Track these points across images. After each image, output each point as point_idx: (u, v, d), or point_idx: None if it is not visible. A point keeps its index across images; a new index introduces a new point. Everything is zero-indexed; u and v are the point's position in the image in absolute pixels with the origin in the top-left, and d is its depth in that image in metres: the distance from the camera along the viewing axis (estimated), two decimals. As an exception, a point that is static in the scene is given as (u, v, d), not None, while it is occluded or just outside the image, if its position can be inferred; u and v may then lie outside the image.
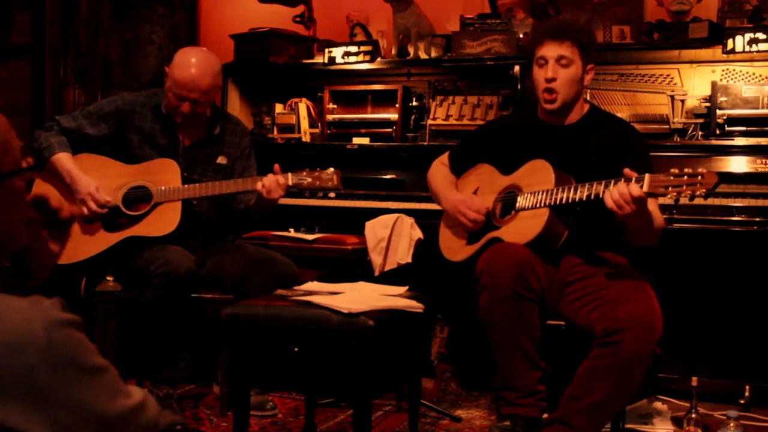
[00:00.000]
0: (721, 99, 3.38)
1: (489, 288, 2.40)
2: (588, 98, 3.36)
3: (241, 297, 2.76)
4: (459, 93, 3.87)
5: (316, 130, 4.16)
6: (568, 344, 2.51)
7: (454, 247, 2.77)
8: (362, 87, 4.07)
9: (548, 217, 2.47)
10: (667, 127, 3.52)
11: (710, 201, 3.08)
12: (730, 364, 3.22)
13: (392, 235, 3.25)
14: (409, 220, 3.27)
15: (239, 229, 3.41)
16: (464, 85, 3.88)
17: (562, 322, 2.55)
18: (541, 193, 2.49)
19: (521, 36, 3.80)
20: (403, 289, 2.55)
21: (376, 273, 3.25)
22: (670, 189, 2.18)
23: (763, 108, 3.33)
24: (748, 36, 3.27)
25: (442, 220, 2.88)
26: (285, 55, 4.11)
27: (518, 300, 2.37)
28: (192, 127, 3.06)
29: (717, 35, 3.37)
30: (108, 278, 3.11)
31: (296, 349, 2.24)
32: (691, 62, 3.57)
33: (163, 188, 2.93)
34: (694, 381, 2.78)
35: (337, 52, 3.95)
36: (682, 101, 3.53)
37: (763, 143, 3.26)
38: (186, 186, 2.93)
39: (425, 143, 3.85)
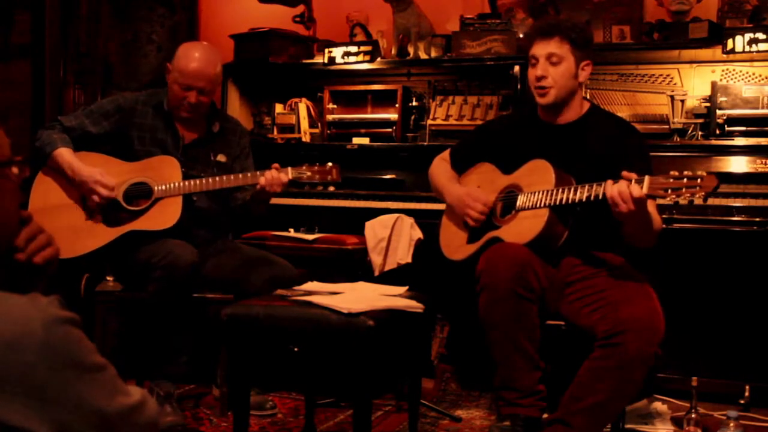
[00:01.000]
0: (721, 99, 3.38)
1: (489, 288, 2.40)
2: (588, 98, 3.36)
3: (241, 298, 2.76)
4: (459, 93, 3.87)
5: (316, 130, 4.16)
6: (568, 344, 2.51)
7: (454, 246, 2.77)
8: (362, 87, 4.07)
9: (548, 218, 2.47)
10: (667, 127, 3.52)
11: (710, 201, 3.08)
12: (730, 364, 3.22)
13: (392, 235, 3.25)
14: (409, 220, 3.27)
15: (238, 228, 3.42)
16: (464, 85, 3.88)
17: (562, 322, 2.54)
18: (541, 193, 2.49)
19: (521, 36, 3.80)
20: (403, 289, 2.55)
21: (376, 273, 3.24)
22: (669, 192, 2.18)
23: (763, 108, 3.33)
24: (748, 36, 3.27)
25: (443, 216, 2.87)
26: (285, 55, 4.11)
27: (518, 300, 2.37)
28: (194, 122, 3.09)
29: (717, 35, 3.37)
30: (108, 278, 3.10)
31: (296, 349, 2.24)
32: (691, 62, 3.57)
33: (163, 184, 2.95)
34: (694, 381, 2.78)
35: (337, 52, 3.95)
36: (682, 101, 3.54)
37: (763, 143, 3.26)
38: (186, 181, 2.95)
39: (425, 143, 3.85)
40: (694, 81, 3.56)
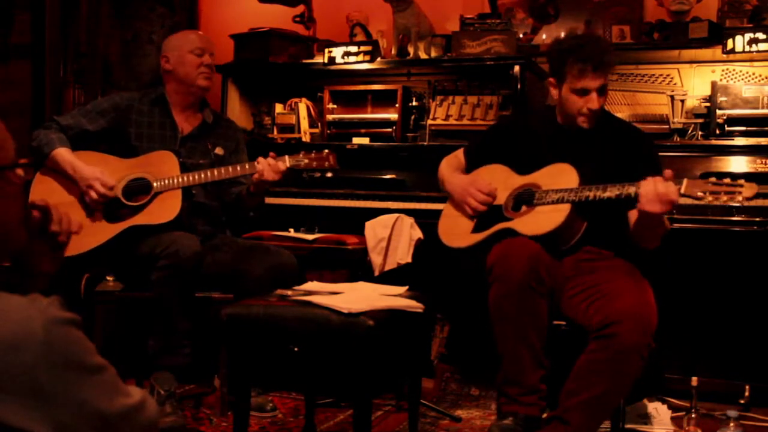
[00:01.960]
0: (721, 99, 3.38)
1: (502, 280, 2.41)
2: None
3: (240, 292, 2.77)
4: (459, 93, 3.87)
5: (316, 130, 4.16)
6: (568, 343, 2.51)
7: (455, 233, 2.75)
8: (362, 87, 4.07)
9: (569, 212, 2.48)
10: (667, 127, 3.52)
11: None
12: (730, 364, 3.22)
13: (392, 235, 3.25)
14: (409, 220, 3.27)
15: (237, 227, 3.42)
16: (464, 85, 3.88)
17: (563, 322, 2.55)
18: (565, 190, 2.50)
19: (521, 36, 3.81)
20: (403, 289, 2.55)
21: (376, 273, 3.24)
22: (707, 194, 2.23)
23: (763, 108, 3.33)
24: (748, 36, 3.27)
25: (446, 204, 2.88)
26: (285, 55, 4.11)
27: (531, 294, 2.38)
28: (191, 112, 3.17)
29: (717, 35, 3.37)
30: (108, 278, 3.10)
31: (296, 349, 2.24)
32: (691, 62, 3.57)
33: (162, 178, 2.97)
34: (694, 381, 2.78)
35: (337, 52, 3.95)
36: (682, 101, 3.54)
37: (763, 143, 3.26)
38: (184, 174, 2.97)
39: (425, 143, 3.85)
40: (694, 81, 3.57)
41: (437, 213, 2.94)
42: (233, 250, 3.03)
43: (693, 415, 2.73)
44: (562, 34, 3.57)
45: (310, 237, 3.40)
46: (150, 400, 1.15)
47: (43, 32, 3.96)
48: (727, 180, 2.23)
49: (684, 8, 3.53)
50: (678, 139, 3.49)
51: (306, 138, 4.10)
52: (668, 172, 2.29)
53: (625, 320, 2.26)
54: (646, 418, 2.97)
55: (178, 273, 2.80)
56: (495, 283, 2.43)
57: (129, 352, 3.19)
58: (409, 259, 3.22)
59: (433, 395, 3.30)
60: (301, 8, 4.23)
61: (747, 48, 3.27)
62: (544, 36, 3.75)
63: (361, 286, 2.64)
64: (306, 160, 2.97)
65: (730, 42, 3.29)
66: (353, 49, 3.94)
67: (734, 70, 3.49)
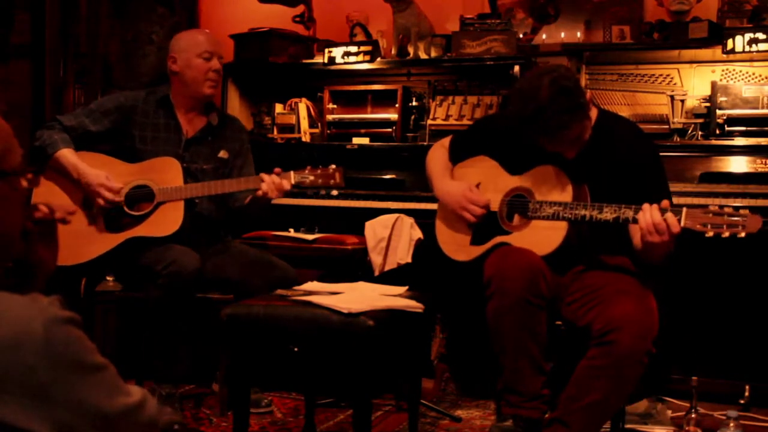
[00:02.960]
0: (721, 99, 3.38)
1: (500, 295, 2.37)
2: (587, 97, 3.35)
3: (241, 298, 2.76)
4: (459, 93, 3.87)
5: (316, 130, 4.16)
6: (568, 344, 2.51)
7: (456, 245, 2.73)
8: (362, 87, 4.07)
9: (567, 232, 2.44)
10: (667, 127, 3.52)
11: (710, 201, 3.08)
12: (730, 364, 3.22)
13: (392, 235, 3.25)
14: (409, 220, 3.27)
15: (238, 228, 3.41)
16: (464, 85, 3.88)
17: (561, 323, 2.54)
18: (559, 205, 2.44)
19: (521, 36, 3.81)
20: (403, 289, 2.55)
21: (376, 273, 3.24)
22: (708, 227, 2.17)
23: (763, 108, 3.33)
24: (748, 36, 3.27)
25: (438, 213, 2.81)
26: (285, 55, 4.11)
27: (529, 308, 2.35)
28: (196, 115, 3.12)
29: (717, 35, 3.37)
30: (108, 278, 3.10)
31: (296, 349, 2.24)
32: (690, 62, 3.57)
33: (165, 187, 2.94)
34: (694, 381, 2.78)
35: (337, 52, 3.95)
36: (682, 101, 3.54)
37: (763, 143, 3.26)
38: (188, 185, 2.94)
39: (425, 143, 3.84)
40: (694, 81, 3.56)
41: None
42: (235, 260, 3.00)
43: (693, 415, 2.73)
44: (562, 34, 3.58)
45: (310, 237, 3.40)
46: (150, 399, 1.15)
47: (43, 32, 3.95)
48: (728, 209, 2.16)
49: (684, 8, 3.53)
50: (678, 139, 3.49)
51: (306, 138, 4.10)
52: (665, 203, 2.23)
53: (625, 327, 2.24)
54: (646, 418, 2.97)
55: (177, 294, 2.78)
56: (493, 298, 2.39)
57: (129, 352, 3.19)
58: (409, 259, 3.22)
59: (433, 395, 3.30)
60: (301, 8, 4.23)
61: (747, 48, 3.27)
62: (544, 36, 3.75)
63: (361, 286, 2.64)
64: (311, 177, 2.93)
65: (730, 42, 3.29)
66: (353, 49, 3.94)
67: (734, 70, 3.49)
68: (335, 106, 4.07)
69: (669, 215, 2.20)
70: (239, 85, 4.26)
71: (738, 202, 3.11)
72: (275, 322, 2.28)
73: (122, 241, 2.91)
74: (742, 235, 2.15)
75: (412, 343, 2.55)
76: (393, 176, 3.76)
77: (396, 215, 3.29)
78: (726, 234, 2.15)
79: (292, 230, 3.48)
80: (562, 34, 3.66)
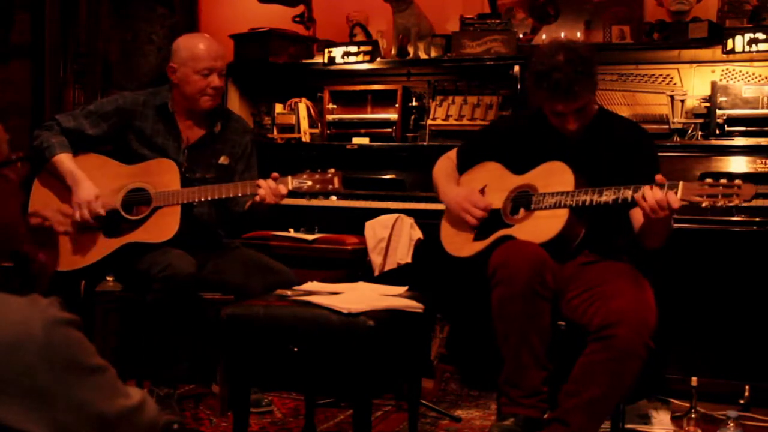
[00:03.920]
0: (721, 99, 3.38)
1: (505, 283, 2.39)
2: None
3: (241, 299, 2.76)
4: (459, 93, 3.87)
5: (316, 130, 4.16)
6: (568, 344, 2.51)
7: (458, 243, 2.75)
8: (362, 87, 4.07)
9: (568, 218, 2.47)
10: (667, 127, 3.52)
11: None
12: (730, 364, 3.22)
13: (392, 235, 3.25)
14: (408, 220, 3.27)
15: (237, 230, 3.41)
16: (464, 85, 3.88)
17: (563, 322, 2.54)
18: (561, 194, 2.48)
19: (521, 36, 3.81)
20: (403, 289, 2.55)
21: (376, 273, 3.24)
22: (705, 198, 2.21)
23: (762, 108, 3.33)
24: (748, 36, 3.27)
25: (444, 214, 2.86)
26: (285, 55, 4.11)
27: (535, 297, 2.37)
28: (197, 122, 3.06)
29: (717, 35, 3.37)
30: (108, 278, 3.10)
31: (296, 349, 2.24)
32: (690, 62, 3.57)
33: (162, 191, 2.92)
34: (694, 381, 2.78)
35: (337, 52, 3.95)
36: (682, 101, 3.54)
37: (763, 143, 3.26)
38: (185, 189, 2.91)
39: (425, 143, 3.85)
40: (694, 81, 3.56)
41: (437, 213, 2.94)
42: (234, 264, 3.00)
43: (693, 415, 2.74)
44: (562, 34, 3.58)
45: (310, 237, 3.40)
46: (150, 400, 1.15)
47: (43, 32, 3.96)
48: (724, 181, 2.21)
49: (684, 8, 3.53)
50: (678, 140, 3.49)
51: (306, 138, 4.10)
52: (659, 177, 2.28)
53: (623, 321, 2.25)
54: (646, 418, 2.97)
55: (172, 298, 2.77)
56: (498, 286, 2.41)
57: (129, 352, 3.19)
58: (409, 259, 3.22)
59: (433, 395, 3.30)
60: (301, 8, 4.23)
61: (747, 48, 3.27)
62: (544, 36, 3.75)
63: (361, 286, 2.64)
64: (309, 182, 2.87)
65: (730, 42, 3.29)
66: (353, 49, 3.94)
67: (734, 70, 3.49)
68: (335, 106, 4.07)
69: (670, 193, 2.25)
70: (239, 85, 4.26)
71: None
72: (275, 322, 2.28)
73: (118, 246, 2.90)
74: (737, 201, 2.17)
75: (412, 343, 2.55)
76: (393, 176, 3.76)
77: (396, 215, 3.29)
78: (721, 203, 2.20)
79: (292, 230, 3.48)
80: (562, 34, 3.65)
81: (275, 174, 2.88)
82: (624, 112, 3.56)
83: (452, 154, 2.94)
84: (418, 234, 3.24)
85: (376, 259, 3.25)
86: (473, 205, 2.68)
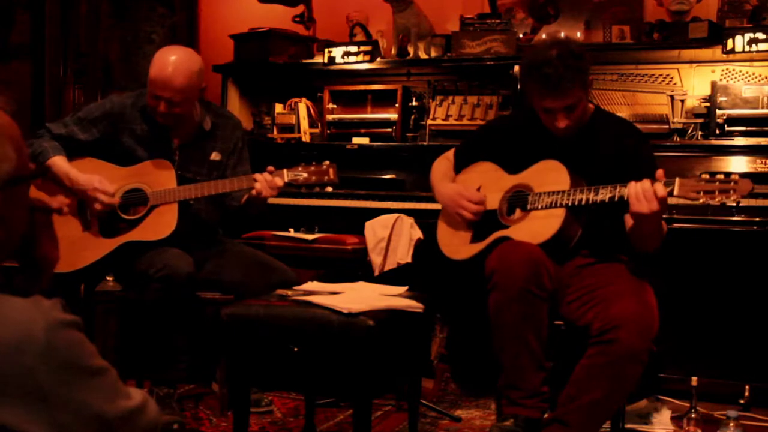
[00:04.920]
0: (721, 99, 3.38)
1: (501, 287, 2.38)
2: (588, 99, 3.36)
3: (241, 298, 2.76)
4: (459, 93, 3.87)
5: (316, 130, 4.16)
6: (568, 344, 2.51)
7: (455, 245, 2.75)
8: (362, 87, 4.07)
9: (565, 218, 2.46)
10: (667, 127, 3.52)
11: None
12: (730, 364, 3.22)
13: (392, 235, 3.25)
14: (408, 220, 3.27)
15: (237, 227, 3.41)
16: (464, 85, 3.88)
17: (560, 322, 2.54)
18: (557, 193, 2.47)
19: (521, 36, 3.81)
20: (403, 289, 2.55)
21: (376, 273, 3.24)
22: (701, 194, 2.19)
23: (762, 108, 3.33)
24: (748, 36, 3.27)
25: (440, 216, 2.85)
26: (285, 55, 4.11)
27: (531, 300, 2.36)
28: (179, 126, 3.03)
29: (717, 35, 3.37)
30: (108, 278, 3.10)
31: (296, 349, 2.24)
32: (690, 62, 3.57)
33: (158, 190, 2.92)
34: (694, 381, 2.78)
35: (337, 52, 3.95)
36: (682, 101, 3.54)
37: (763, 143, 3.26)
38: (181, 187, 2.92)
39: (425, 143, 3.86)
40: (694, 81, 3.56)
41: (437, 213, 2.94)
42: (234, 262, 3.00)
43: (693, 415, 2.73)
44: (562, 34, 3.58)
45: (310, 237, 3.40)
46: (151, 402, 1.15)
47: (43, 32, 3.96)
48: (720, 176, 2.20)
49: (684, 8, 3.53)
50: (678, 139, 3.49)
51: (306, 138, 4.10)
52: (659, 173, 2.27)
53: (625, 325, 2.24)
54: (646, 418, 2.97)
55: (171, 297, 2.77)
56: (495, 290, 2.40)
57: (129, 352, 3.19)
58: (409, 259, 3.22)
59: (433, 395, 3.30)
60: (301, 8, 4.23)
61: (747, 48, 3.27)
62: (543, 36, 3.75)
63: (361, 286, 2.64)
64: (305, 174, 2.90)
65: (730, 42, 3.29)
66: (353, 49, 3.94)
67: (734, 70, 3.49)
68: (335, 106, 4.07)
69: (657, 183, 2.24)
70: (239, 85, 4.26)
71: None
72: (275, 322, 2.28)
73: (117, 246, 2.91)
74: (733, 198, 2.17)
75: (412, 343, 2.55)
76: (393, 176, 3.76)
77: (396, 215, 3.29)
78: (717, 199, 2.18)
79: (292, 230, 3.47)
80: (562, 34, 3.66)
81: (271, 167, 2.90)
82: (624, 112, 3.56)
83: (450, 154, 2.93)
84: (418, 234, 3.24)
85: (376, 259, 3.25)
86: (467, 200, 2.67)
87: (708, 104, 3.44)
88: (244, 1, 4.53)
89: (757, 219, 3.08)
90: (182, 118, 2.98)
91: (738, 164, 3.26)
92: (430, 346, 3.29)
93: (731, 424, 2.54)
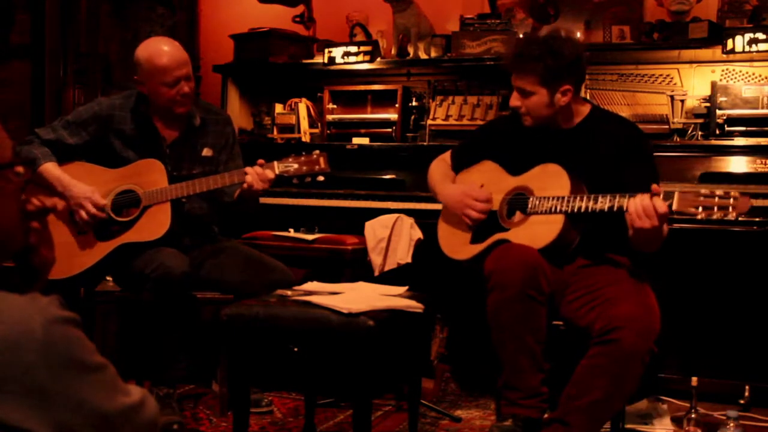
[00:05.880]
0: (721, 99, 3.38)
1: (499, 288, 2.39)
2: (588, 98, 3.36)
3: (240, 298, 2.76)
4: (459, 93, 3.87)
5: (316, 130, 4.16)
6: (568, 344, 2.51)
7: (456, 245, 2.75)
8: (362, 87, 4.07)
9: (563, 224, 2.46)
10: (667, 127, 3.52)
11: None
12: (730, 364, 3.22)
13: (392, 235, 3.25)
14: (408, 220, 3.27)
15: (237, 227, 3.41)
16: (464, 85, 3.88)
17: (560, 322, 2.54)
18: (556, 199, 2.47)
19: (521, 36, 3.80)
20: (403, 289, 2.55)
21: (376, 273, 3.24)
22: (700, 209, 2.20)
23: (762, 108, 3.33)
24: (748, 36, 3.27)
25: (440, 216, 2.86)
26: (285, 55, 4.11)
27: (529, 302, 2.36)
28: (174, 120, 3.03)
29: (717, 35, 3.37)
30: (108, 278, 3.10)
31: (296, 349, 2.24)
32: (690, 62, 3.57)
33: (150, 190, 2.91)
34: (694, 381, 2.78)
35: (337, 52, 3.95)
36: (682, 101, 3.54)
37: (763, 143, 3.26)
38: (173, 186, 2.91)
39: (425, 143, 3.86)
40: (694, 81, 3.56)
41: (437, 213, 2.94)
42: (232, 262, 2.99)
43: (693, 415, 2.73)
44: (578, 33, 3.58)
45: (309, 237, 3.40)
46: (150, 399, 1.15)
47: (43, 32, 3.96)
48: (720, 192, 2.19)
49: (684, 8, 3.53)
50: (678, 140, 3.49)
51: (306, 138, 4.10)
52: (655, 188, 2.26)
53: (627, 325, 2.24)
54: (646, 418, 2.97)
55: (166, 297, 2.77)
56: (493, 292, 2.41)
57: (129, 352, 3.19)
58: (409, 260, 3.22)
59: (433, 395, 3.30)
60: (301, 8, 4.23)
61: (747, 48, 3.27)
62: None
63: (361, 286, 2.64)
64: (295, 165, 2.87)
65: (730, 42, 3.29)
66: (353, 49, 3.94)
67: (734, 70, 3.49)
68: (335, 106, 4.07)
69: (656, 198, 2.24)
70: (239, 85, 4.26)
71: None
72: (275, 322, 2.28)
73: (112, 249, 2.90)
74: (733, 215, 2.17)
75: (412, 343, 2.54)
76: (393, 176, 3.76)
77: (396, 215, 3.29)
78: (716, 215, 2.18)
79: (292, 230, 3.47)
80: (578, 34, 3.66)
81: (261, 161, 2.89)
82: (624, 112, 3.56)
83: (446, 156, 2.94)
84: (418, 234, 3.24)
85: (376, 259, 3.25)
86: (474, 199, 2.67)
87: (708, 104, 3.44)
88: (244, 1, 4.53)
89: (757, 219, 3.08)
90: (193, 94, 3.02)
91: (738, 164, 3.26)
92: (430, 346, 3.29)
93: (731, 424, 2.54)
